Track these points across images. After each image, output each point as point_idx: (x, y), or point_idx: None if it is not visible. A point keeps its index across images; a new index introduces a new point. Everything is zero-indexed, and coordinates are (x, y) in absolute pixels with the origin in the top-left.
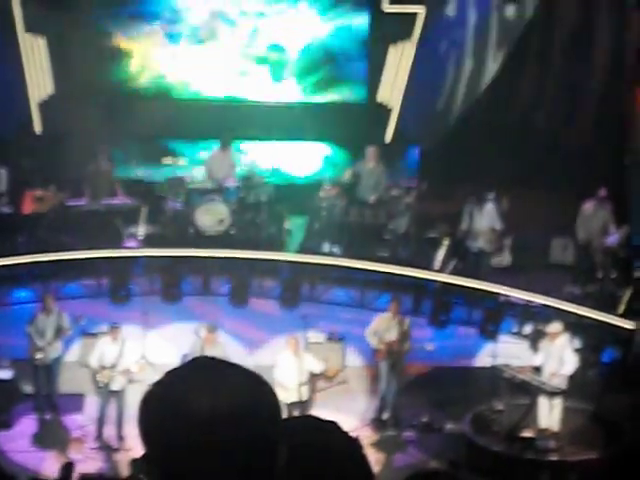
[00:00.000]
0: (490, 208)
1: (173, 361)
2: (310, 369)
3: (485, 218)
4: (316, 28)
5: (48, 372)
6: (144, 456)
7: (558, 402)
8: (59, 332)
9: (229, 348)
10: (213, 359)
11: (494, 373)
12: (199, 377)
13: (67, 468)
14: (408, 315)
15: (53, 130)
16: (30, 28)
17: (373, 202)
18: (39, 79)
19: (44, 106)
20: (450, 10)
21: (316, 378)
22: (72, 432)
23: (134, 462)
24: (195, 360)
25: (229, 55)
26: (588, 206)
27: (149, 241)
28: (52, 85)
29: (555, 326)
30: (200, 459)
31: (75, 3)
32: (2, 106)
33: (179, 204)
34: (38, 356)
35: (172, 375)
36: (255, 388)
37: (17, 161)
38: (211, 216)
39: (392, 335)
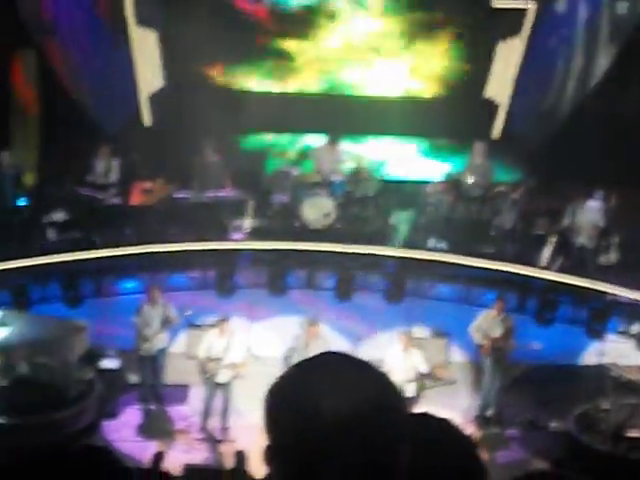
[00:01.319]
0: (593, 204)
1: (278, 354)
2: (417, 367)
3: (587, 214)
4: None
5: (154, 363)
6: (267, 448)
7: None
8: (165, 323)
9: (333, 342)
10: (340, 354)
11: (600, 372)
12: (326, 373)
13: (157, 457)
14: (513, 313)
15: (162, 123)
16: (142, 21)
17: (479, 198)
18: (149, 72)
19: (154, 99)
20: (560, 6)
21: (424, 376)
22: (177, 423)
23: (239, 454)
24: (321, 355)
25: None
26: None
27: (255, 234)
28: (162, 78)
29: None
30: (323, 454)
31: None
32: (113, 99)
33: (285, 197)
34: (144, 346)
35: (298, 368)
36: (380, 384)
37: (126, 153)
38: (317, 210)
39: (496, 332)
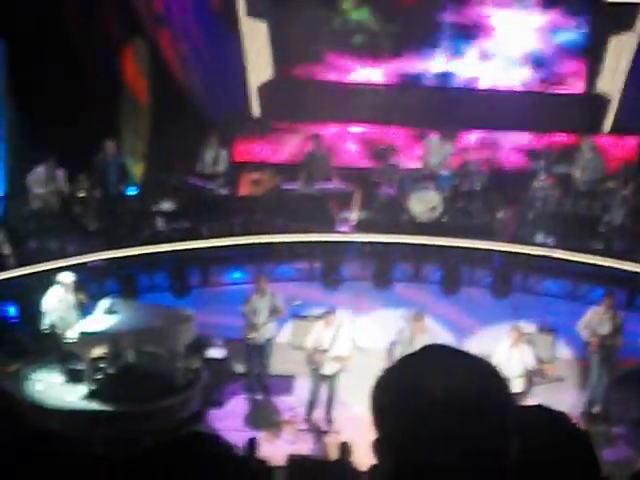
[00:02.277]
0: None
1: (382, 346)
2: (526, 363)
3: None
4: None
5: (261, 352)
6: (376, 440)
7: None
8: (273, 313)
9: (439, 336)
10: (445, 347)
11: None
12: (433, 363)
13: (252, 444)
14: (621, 309)
15: (271, 114)
16: (252, 12)
17: (588, 193)
18: (259, 63)
19: (263, 90)
20: None
21: (532, 372)
22: (282, 414)
23: (343, 445)
24: (428, 347)
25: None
26: None
27: (361, 226)
28: (272, 69)
29: None
30: (432, 443)
31: None
32: (222, 89)
33: (392, 190)
34: (252, 335)
35: (406, 361)
36: (488, 376)
37: (234, 144)
38: (424, 203)
39: (604, 329)
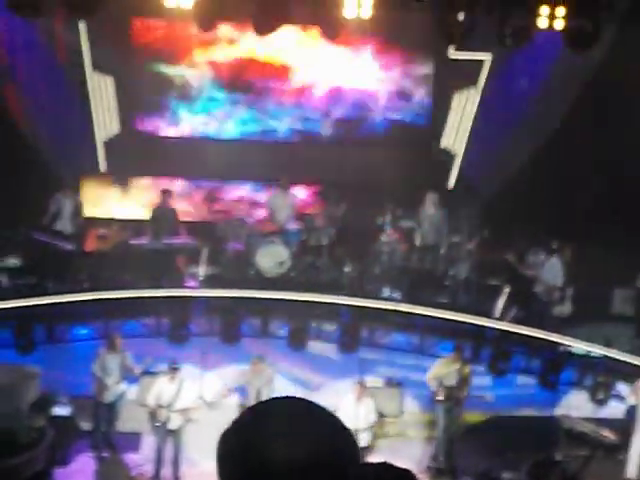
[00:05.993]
0: (554, 262)
1: (230, 402)
2: (369, 418)
3: (548, 272)
4: (381, 74)
5: (110, 410)
6: None
7: None
8: (124, 371)
9: (286, 391)
10: (294, 399)
11: (553, 423)
12: (278, 419)
13: None
14: (467, 362)
15: (117, 169)
16: (98, 67)
17: (434, 248)
18: (105, 118)
19: (109, 145)
20: (516, 57)
21: (377, 425)
22: (130, 471)
23: None
24: (275, 400)
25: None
26: None
27: (209, 281)
28: (118, 124)
29: None
30: None
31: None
32: (69, 143)
33: (240, 245)
34: (103, 395)
35: (252, 415)
36: (335, 436)
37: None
38: (271, 258)
39: (452, 381)
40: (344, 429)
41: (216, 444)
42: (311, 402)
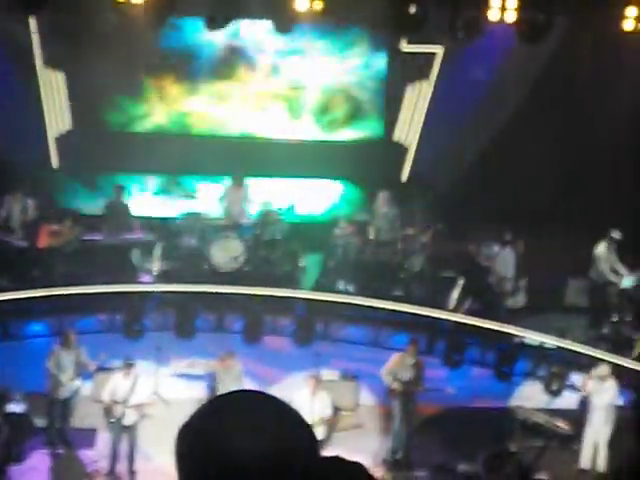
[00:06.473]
0: (507, 254)
1: (185, 397)
2: (323, 411)
3: (501, 263)
4: (334, 67)
5: (64, 407)
6: None
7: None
8: (79, 368)
9: (242, 385)
10: (251, 392)
11: (508, 414)
12: (237, 415)
13: None
14: (422, 354)
15: (70, 165)
16: (48, 62)
17: (388, 241)
18: (57, 114)
19: (61, 141)
20: (468, 50)
21: (333, 418)
22: (85, 467)
23: None
24: (233, 393)
25: (247, 92)
26: (601, 248)
27: (164, 276)
28: (70, 120)
29: (604, 369)
30: None
31: (94, 38)
32: (20, 140)
33: (194, 240)
34: (58, 391)
35: (210, 408)
36: (295, 429)
37: (33, 195)
38: (226, 252)
39: (407, 375)
40: (303, 422)
41: (174, 439)
42: (269, 395)
